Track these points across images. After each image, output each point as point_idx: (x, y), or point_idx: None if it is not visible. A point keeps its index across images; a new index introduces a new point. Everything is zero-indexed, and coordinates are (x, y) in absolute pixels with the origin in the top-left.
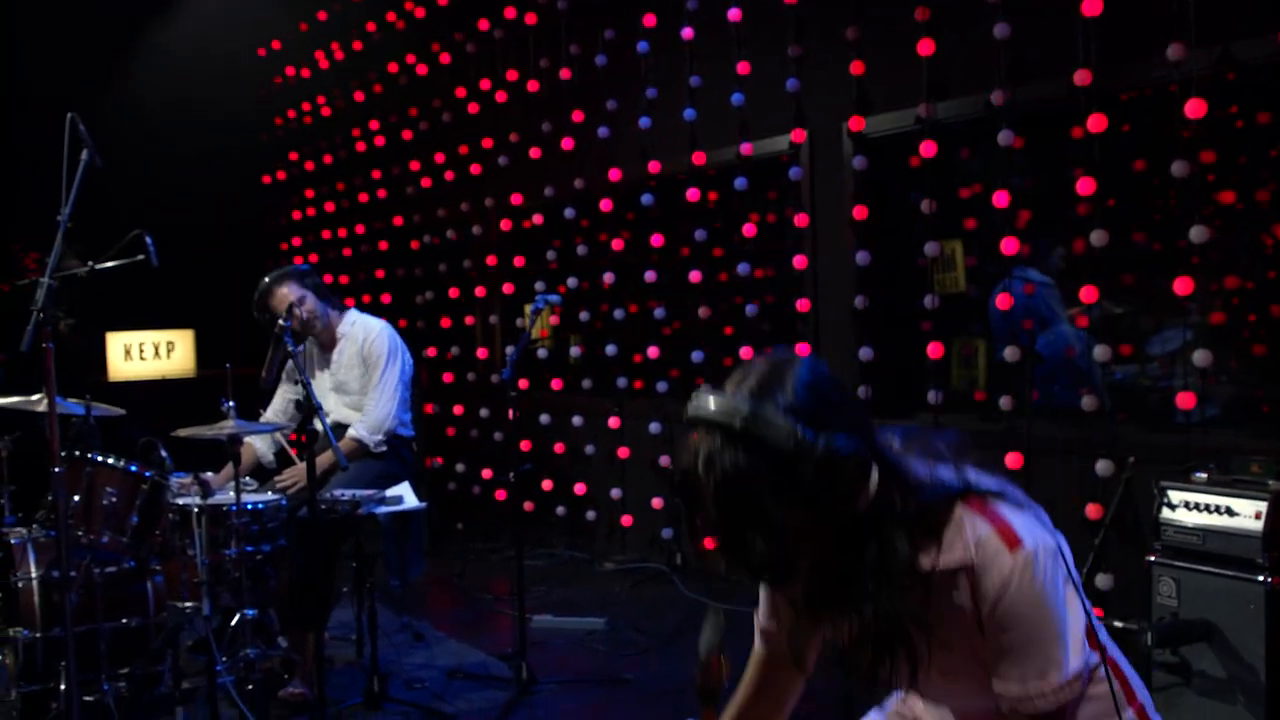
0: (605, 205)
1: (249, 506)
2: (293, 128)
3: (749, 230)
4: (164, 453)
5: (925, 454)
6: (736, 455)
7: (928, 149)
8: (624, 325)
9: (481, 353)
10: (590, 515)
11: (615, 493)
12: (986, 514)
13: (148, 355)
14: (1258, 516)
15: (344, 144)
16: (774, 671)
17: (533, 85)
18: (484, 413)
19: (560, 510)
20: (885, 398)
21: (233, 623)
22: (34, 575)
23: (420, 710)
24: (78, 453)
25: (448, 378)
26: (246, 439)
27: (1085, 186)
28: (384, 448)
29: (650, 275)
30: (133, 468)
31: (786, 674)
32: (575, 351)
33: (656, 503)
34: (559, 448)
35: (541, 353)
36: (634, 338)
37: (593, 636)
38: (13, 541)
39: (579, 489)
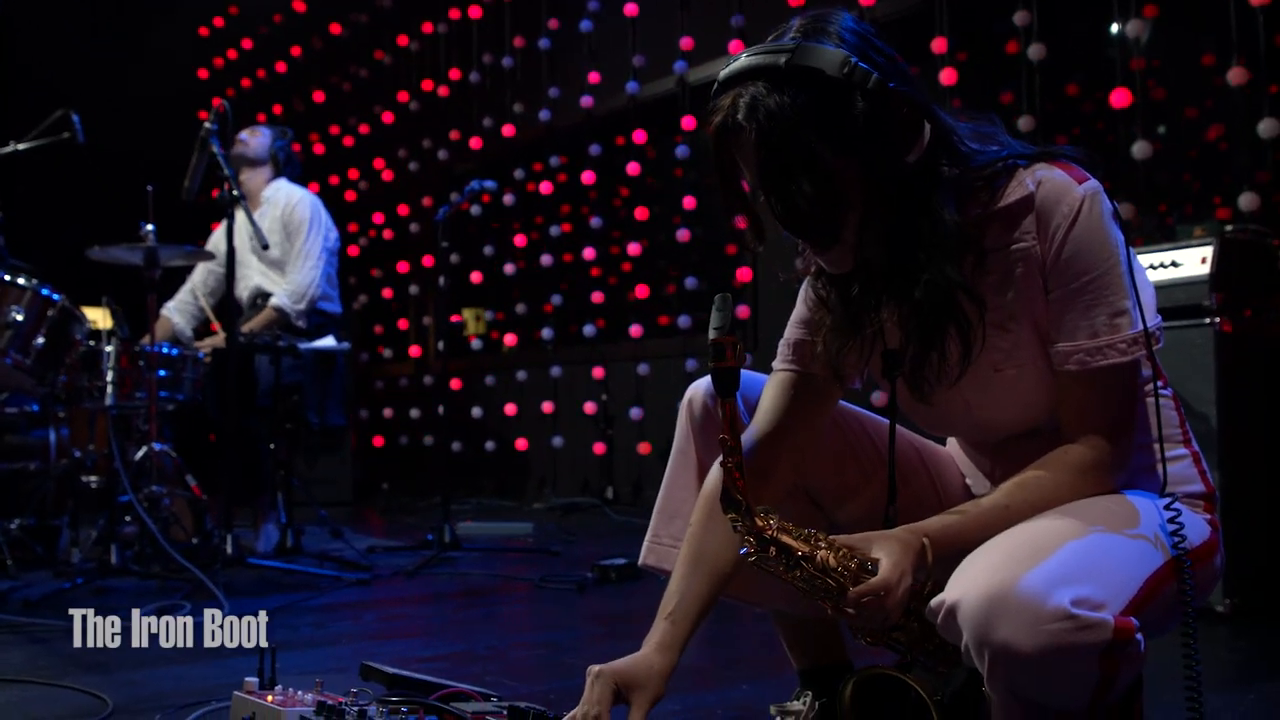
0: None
1: (163, 349)
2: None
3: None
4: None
5: (976, 130)
6: (783, 95)
7: None
8: (554, 273)
9: (414, 289)
10: (520, 446)
11: (557, 440)
12: (1047, 162)
13: None
14: (1204, 261)
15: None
16: (805, 390)
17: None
18: (414, 350)
19: (490, 445)
20: None
21: (139, 455)
22: None
23: (335, 562)
24: None
25: (378, 329)
26: (163, 313)
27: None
28: (303, 321)
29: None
30: (44, 290)
31: (817, 392)
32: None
33: (599, 448)
34: (489, 380)
35: (476, 343)
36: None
37: (521, 538)
38: None
39: (509, 437)
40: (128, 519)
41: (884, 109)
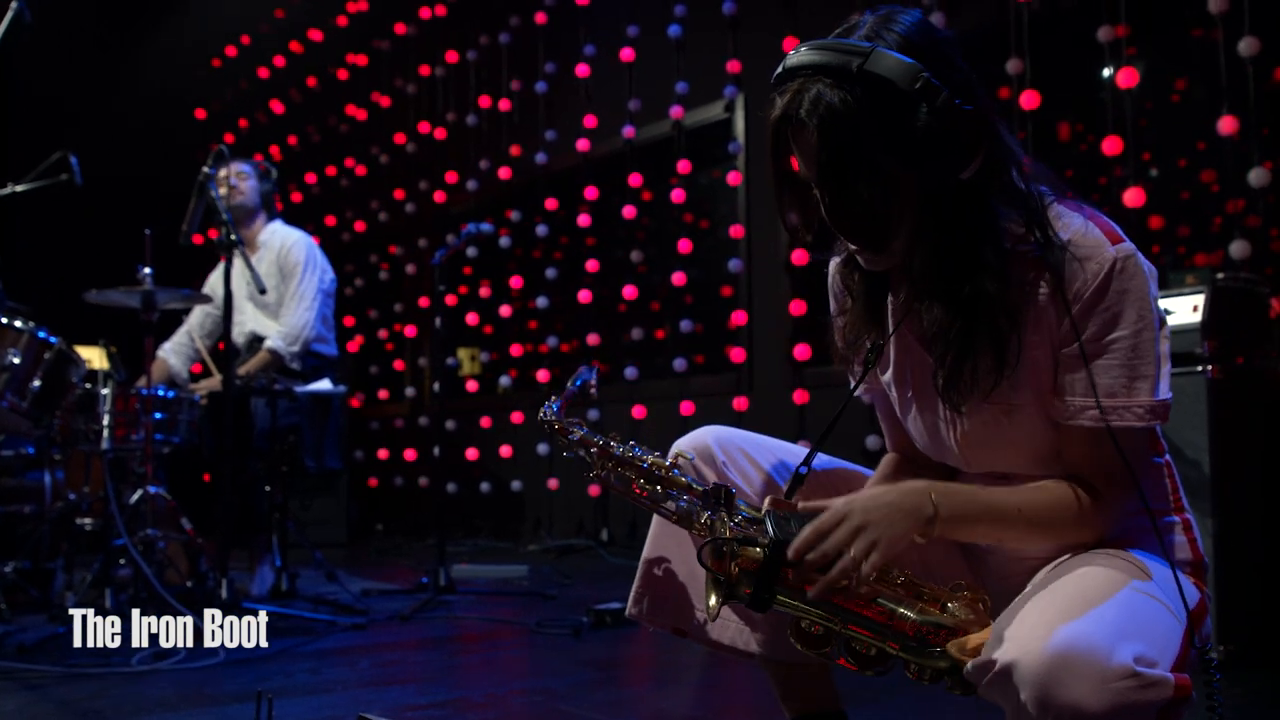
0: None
1: (160, 392)
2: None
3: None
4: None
5: (1033, 163)
6: (850, 95)
7: None
8: (549, 314)
9: (410, 330)
10: (516, 487)
11: (553, 482)
12: (1086, 214)
13: None
14: (1195, 310)
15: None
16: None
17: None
18: (410, 392)
19: (485, 487)
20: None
21: (134, 499)
22: None
23: (330, 606)
24: None
25: (374, 370)
26: (160, 355)
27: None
28: (297, 363)
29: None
30: (40, 333)
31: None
32: (505, 380)
33: (594, 490)
34: (485, 422)
35: (472, 385)
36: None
37: (516, 580)
38: None
39: (505, 479)
40: (123, 562)
41: (951, 123)
